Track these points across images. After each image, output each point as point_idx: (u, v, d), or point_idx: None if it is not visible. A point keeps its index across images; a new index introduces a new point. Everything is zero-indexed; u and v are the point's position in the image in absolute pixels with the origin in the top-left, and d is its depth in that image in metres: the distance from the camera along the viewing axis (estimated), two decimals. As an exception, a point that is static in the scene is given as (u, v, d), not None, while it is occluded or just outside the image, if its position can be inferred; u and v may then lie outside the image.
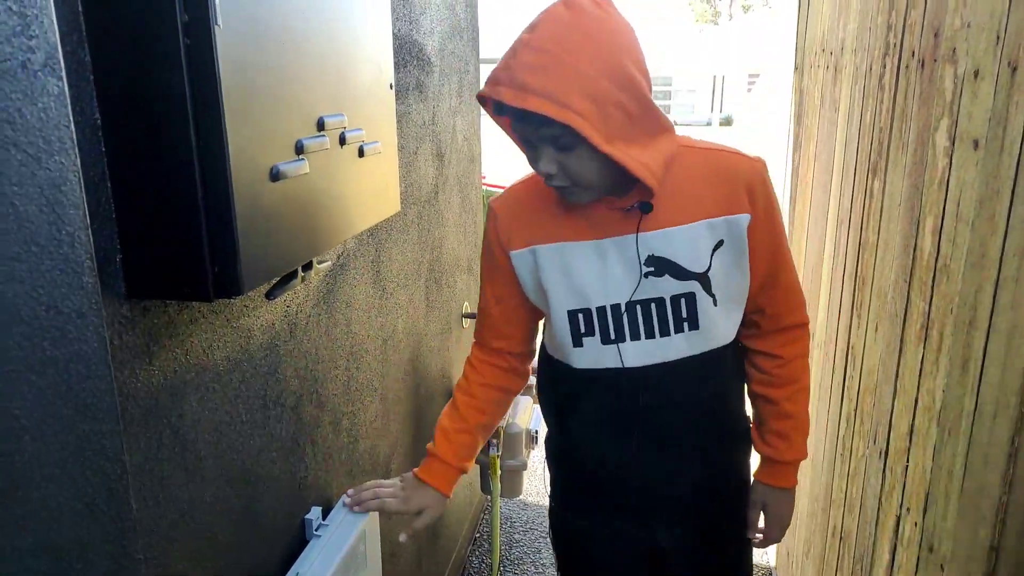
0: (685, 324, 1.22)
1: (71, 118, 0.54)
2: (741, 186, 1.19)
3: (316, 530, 1.32)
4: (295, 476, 1.27)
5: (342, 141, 1.03)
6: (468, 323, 2.53)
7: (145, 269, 0.80)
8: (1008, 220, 1.03)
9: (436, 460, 1.37)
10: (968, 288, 1.15)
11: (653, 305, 1.21)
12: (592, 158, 1.07)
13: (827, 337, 2.03)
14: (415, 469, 1.39)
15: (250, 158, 0.80)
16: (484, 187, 4.00)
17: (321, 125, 0.97)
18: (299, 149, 0.91)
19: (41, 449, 0.53)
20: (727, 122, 21.67)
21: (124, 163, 0.76)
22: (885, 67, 1.59)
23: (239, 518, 1.09)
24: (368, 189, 1.16)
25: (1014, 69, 1.02)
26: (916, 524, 1.36)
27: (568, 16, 1.03)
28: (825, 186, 2.10)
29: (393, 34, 1.39)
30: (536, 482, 3.43)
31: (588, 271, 1.21)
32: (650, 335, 1.22)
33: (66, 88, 0.53)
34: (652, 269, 1.19)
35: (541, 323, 1.40)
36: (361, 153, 1.10)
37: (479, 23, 2.44)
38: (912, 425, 1.38)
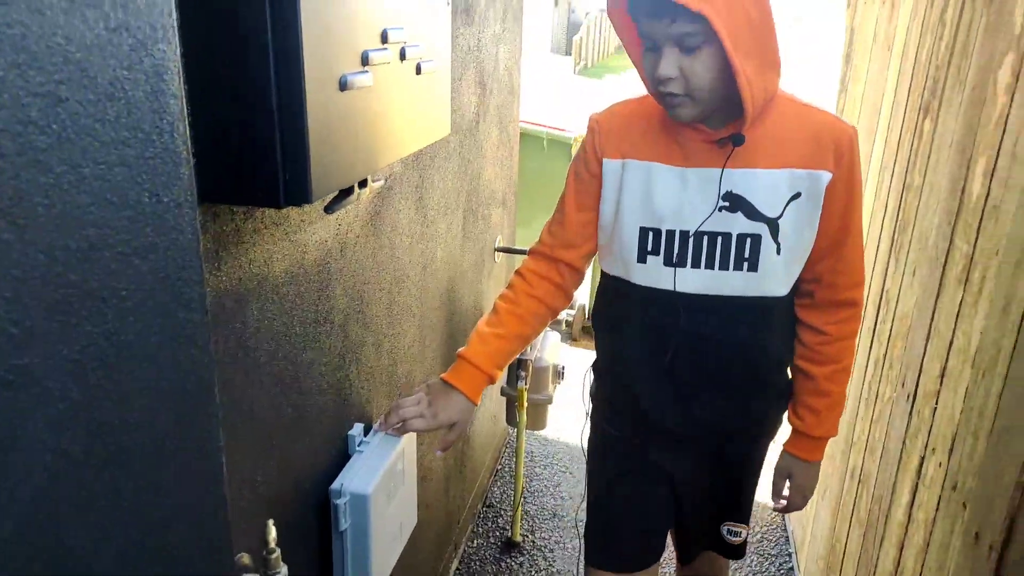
0: (745, 263, 1.26)
1: (174, 5, 0.55)
2: (829, 146, 1.23)
3: (359, 446, 1.37)
4: (340, 392, 1.31)
5: (402, 56, 1.03)
6: (500, 257, 2.54)
7: (218, 173, 0.81)
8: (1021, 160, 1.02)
9: (467, 364, 1.31)
10: (1018, 229, 1.15)
11: (720, 239, 1.26)
12: (713, 66, 1.12)
13: (868, 276, 2.03)
14: (443, 374, 1.32)
15: (322, 66, 0.81)
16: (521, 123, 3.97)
17: (384, 37, 0.97)
18: (364, 60, 0.91)
19: (143, 330, 0.56)
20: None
21: (202, 66, 0.77)
22: (948, 1, 1.55)
23: (291, 425, 1.14)
24: (423, 108, 1.16)
25: (1090, 4, 1.00)
26: (941, 464, 1.39)
27: None
28: (871, 130, 2.07)
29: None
30: (558, 417, 3.50)
31: (668, 194, 1.26)
32: (710, 266, 1.27)
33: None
34: (728, 204, 1.24)
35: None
36: (419, 70, 1.10)
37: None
38: (944, 367, 1.39)
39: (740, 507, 1.54)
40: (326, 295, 1.21)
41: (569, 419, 3.38)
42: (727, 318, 1.30)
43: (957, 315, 1.36)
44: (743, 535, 1.55)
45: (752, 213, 1.24)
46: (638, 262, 1.30)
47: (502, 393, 2.43)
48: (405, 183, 1.53)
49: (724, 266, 1.26)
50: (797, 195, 1.24)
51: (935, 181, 1.51)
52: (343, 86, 0.86)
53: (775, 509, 1.53)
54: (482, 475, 2.72)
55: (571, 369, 2.92)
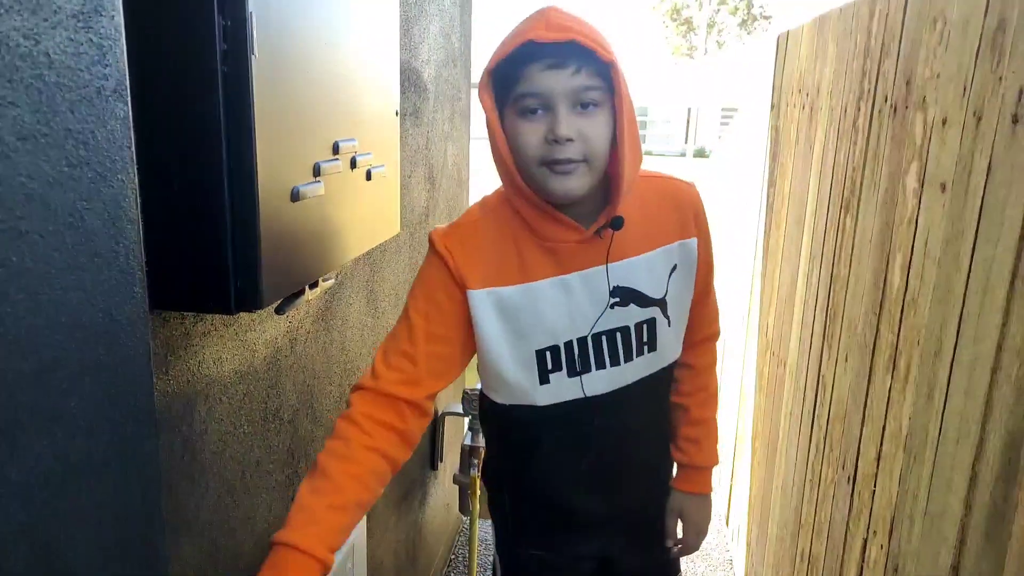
0: (645, 347, 1.25)
1: (132, 139, 0.58)
2: (689, 212, 1.25)
3: (306, 542, 1.34)
4: (290, 488, 1.30)
5: (353, 164, 1.08)
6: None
7: (169, 282, 0.83)
8: (972, 259, 1.11)
9: (293, 553, 0.94)
10: (934, 322, 1.23)
11: (618, 334, 1.21)
12: (607, 131, 1.05)
13: (798, 368, 2.11)
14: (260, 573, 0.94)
15: (275, 178, 0.85)
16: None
17: (336, 149, 1.02)
18: (316, 171, 0.96)
19: (92, 448, 0.57)
20: (700, 154, 22.09)
21: (156, 179, 0.80)
22: (859, 111, 1.68)
23: (237, 526, 1.12)
24: (373, 211, 1.21)
25: (979, 119, 1.11)
26: (882, 547, 1.43)
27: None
28: (799, 221, 2.19)
29: (397, 63, 1.44)
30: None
31: (556, 308, 1.17)
32: (614, 363, 1.23)
33: (130, 112, 0.58)
34: (618, 299, 1.19)
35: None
36: (369, 176, 1.15)
37: (471, 53, 2.52)
38: (880, 451, 1.45)
39: (671, 563, 1.54)
40: (275, 392, 1.21)
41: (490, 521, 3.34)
42: (636, 402, 1.28)
43: (888, 401, 1.43)
44: None
45: (643, 301, 1.21)
46: (541, 384, 1.21)
47: (455, 481, 2.41)
48: (356, 278, 1.56)
49: (628, 358, 1.23)
50: (674, 267, 1.24)
51: (859, 273, 1.61)
52: (295, 197, 0.90)
53: (672, 555, 1.51)
54: (435, 565, 2.66)
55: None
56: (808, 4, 2.24)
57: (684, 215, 1.24)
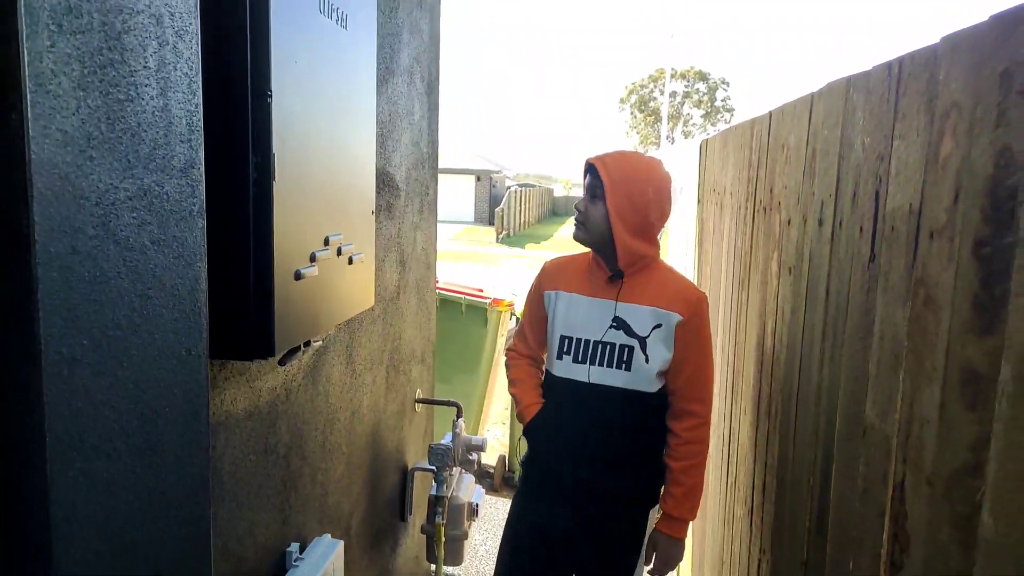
0: (623, 364, 1.89)
1: (205, 241, 0.93)
2: (682, 299, 1.89)
3: (295, 562, 1.63)
4: (281, 513, 1.59)
5: (339, 252, 1.44)
6: (420, 408, 2.87)
7: (212, 337, 1.17)
8: (803, 323, 1.48)
9: (534, 407, 2.02)
10: (791, 373, 1.59)
11: (610, 347, 1.90)
12: (602, 215, 1.88)
13: (718, 421, 2.46)
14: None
15: (285, 264, 1.20)
16: (438, 290, 4.42)
17: (327, 241, 1.38)
18: (312, 258, 1.32)
19: (170, 425, 0.89)
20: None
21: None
22: (747, 209, 2.10)
23: (242, 536, 1.41)
24: (353, 287, 1.56)
25: (804, 220, 1.50)
26: (768, 562, 1.74)
27: (639, 155, 1.96)
28: (716, 299, 2.58)
29: (374, 172, 1.83)
30: (480, 553, 3.67)
31: (580, 315, 1.95)
32: (605, 364, 1.90)
33: (205, 225, 0.93)
34: (615, 325, 1.91)
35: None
36: (350, 261, 1.51)
37: (438, 156, 2.93)
38: (764, 483, 1.79)
39: (614, 552, 2.01)
40: (274, 430, 1.53)
41: (487, 553, 3.57)
42: (612, 403, 1.90)
43: (767, 441, 1.77)
44: None
45: (630, 332, 1.89)
46: (557, 359, 1.97)
47: (422, 531, 2.67)
48: (338, 343, 1.90)
49: (611, 365, 1.90)
50: (659, 325, 1.88)
51: (748, 338, 1.98)
52: (297, 277, 1.25)
53: (648, 572, 2.00)
54: (403, 618, 2.87)
55: (489, 513, 3.13)
56: (769, 101, 2.71)
57: (677, 299, 1.89)
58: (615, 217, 1.85)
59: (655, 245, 1.93)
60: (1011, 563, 0.73)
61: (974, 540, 0.81)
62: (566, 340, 1.94)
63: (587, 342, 1.91)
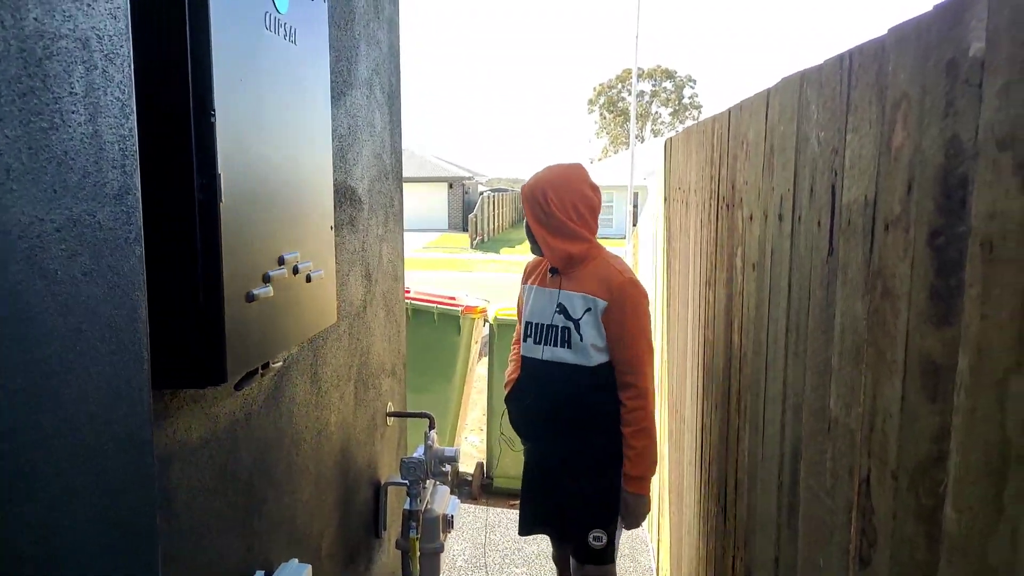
0: (566, 343, 2.34)
1: (143, 269, 0.90)
2: (608, 285, 2.28)
3: (261, 589, 1.58)
4: (245, 539, 1.55)
5: (295, 271, 1.40)
6: (392, 421, 2.83)
7: (156, 365, 1.13)
8: (768, 319, 1.47)
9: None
10: (758, 372, 1.58)
11: (555, 329, 2.35)
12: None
13: (691, 421, 2.45)
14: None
15: (236, 286, 1.16)
16: (408, 300, 4.37)
17: (281, 260, 1.34)
18: (266, 279, 1.28)
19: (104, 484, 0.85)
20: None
21: (152, 290, 1.10)
22: (711, 206, 2.09)
23: (203, 568, 1.37)
24: (312, 306, 1.53)
25: (765, 216, 1.50)
26: (741, 559, 1.73)
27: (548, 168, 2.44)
28: (685, 294, 2.58)
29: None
30: (451, 566, 3.63)
31: (537, 303, 2.43)
32: (553, 344, 2.36)
33: (143, 252, 0.89)
34: (558, 310, 2.36)
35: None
36: (308, 279, 1.48)
37: (403, 166, 2.90)
38: (736, 480, 1.78)
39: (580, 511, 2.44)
40: (234, 457, 1.48)
41: (466, 564, 3.53)
42: (559, 375, 2.34)
43: (738, 438, 1.76)
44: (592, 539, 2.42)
45: (567, 316, 2.33)
46: (523, 340, 2.48)
47: (397, 546, 2.63)
48: (301, 362, 1.86)
49: (557, 344, 2.35)
50: (588, 308, 2.30)
51: (717, 336, 1.98)
52: (250, 299, 1.21)
53: (623, 527, 2.44)
54: (385, 636, 2.82)
55: (467, 522, 3.08)
56: (735, 96, 2.73)
57: (604, 286, 2.28)
58: (534, 225, 2.35)
59: (581, 240, 2.32)
60: (975, 556, 0.72)
61: (940, 533, 0.80)
62: (529, 325, 2.44)
63: (541, 325, 2.39)
